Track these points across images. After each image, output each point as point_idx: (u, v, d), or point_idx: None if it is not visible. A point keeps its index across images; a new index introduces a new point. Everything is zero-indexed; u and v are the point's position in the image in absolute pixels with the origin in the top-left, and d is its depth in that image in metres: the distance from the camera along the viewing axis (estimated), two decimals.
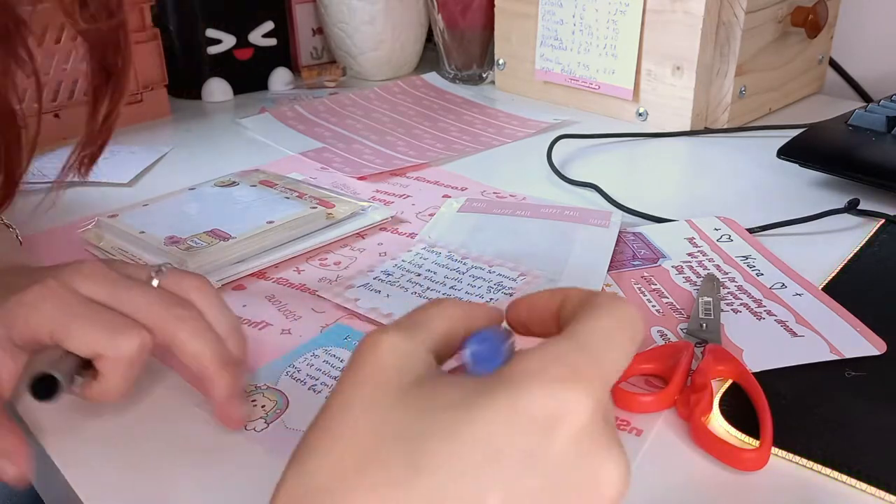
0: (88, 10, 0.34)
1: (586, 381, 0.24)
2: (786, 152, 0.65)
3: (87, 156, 0.46)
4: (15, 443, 0.35)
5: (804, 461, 0.34)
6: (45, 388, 0.33)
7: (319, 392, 0.40)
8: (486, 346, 0.25)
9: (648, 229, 0.56)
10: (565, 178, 0.66)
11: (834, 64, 0.90)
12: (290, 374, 0.41)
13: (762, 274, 0.50)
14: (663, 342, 0.43)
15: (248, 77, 0.93)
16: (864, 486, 0.33)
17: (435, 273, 0.50)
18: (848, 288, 0.48)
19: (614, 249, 0.53)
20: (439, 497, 0.22)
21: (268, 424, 0.38)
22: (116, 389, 0.36)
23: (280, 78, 0.94)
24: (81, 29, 0.39)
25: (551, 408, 0.23)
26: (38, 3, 0.46)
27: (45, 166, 0.68)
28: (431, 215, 0.59)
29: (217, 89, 0.90)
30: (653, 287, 0.49)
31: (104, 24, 0.39)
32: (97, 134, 0.45)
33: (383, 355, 0.25)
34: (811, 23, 0.77)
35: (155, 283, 0.38)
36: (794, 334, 0.43)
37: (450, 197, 0.63)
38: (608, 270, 0.50)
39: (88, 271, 0.37)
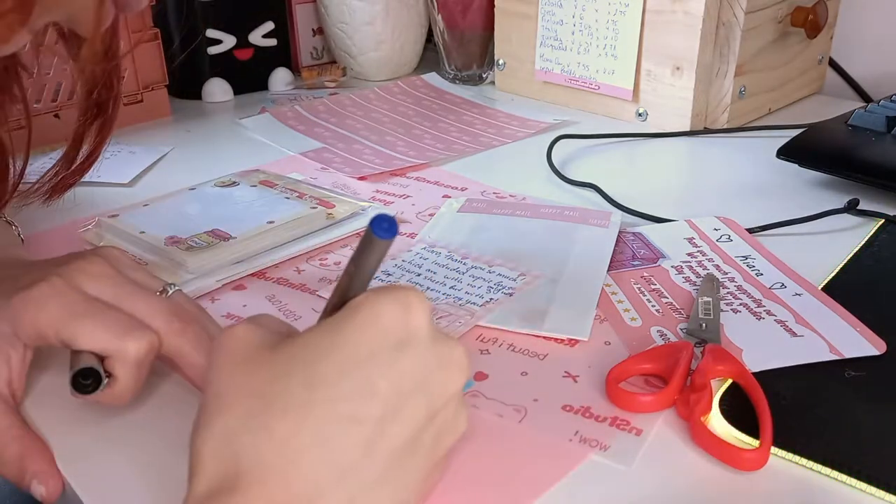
0: (90, 51, 0.35)
1: (418, 290, 0.30)
2: (785, 152, 0.65)
3: (60, 186, 0.46)
4: (45, 463, 0.36)
5: (804, 461, 0.34)
6: (86, 382, 0.35)
7: None
8: (386, 219, 0.28)
9: (648, 229, 0.56)
10: (565, 178, 0.66)
11: (834, 64, 0.90)
12: None
13: (762, 274, 0.50)
14: (663, 342, 0.43)
15: (249, 77, 0.93)
16: (864, 486, 0.33)
17: (435, 273, 0.50)
18: (848, 288, 0.48)
19: (614, 249, 0.53)
20: (340, 398, 0.27)
21: None
22: (126, 390, 0.36)
23: (280, 78, 0.94)
24: (83, 69, 0.40)
25: (401, 305, 0.29)
26: (40, 45, 0.46)
27: (45, 166, 0.68)
28: (431, 215, 0.59)
29: (217, 89, 0.90)
30: (652, 287, 0.49)
31: (104, 65, 0.40)
32: (76, 168, 0.45)
33: (242, 334, 0.30)
34: (811, 23, 0.77)
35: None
36: (794, 334, 0.43)
37: (450, 197, 0.63)
38: (608, 270, 0.50)
39: (96, 271, 0.37)
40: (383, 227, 0.28)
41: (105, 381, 0.35)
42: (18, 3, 0.27)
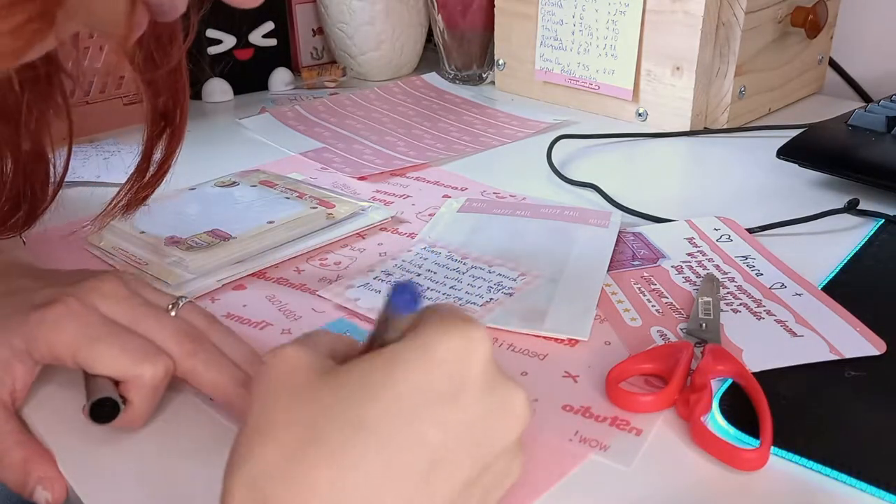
0: (147, 53, 0.35)
1: (481, 325, 0.28)
2: (785, 152, 0.65)
3: (134, 200, 0.46)
4: (50, 468, 0.36)
5: (804, 461, 0.34)
6: (104, 411, 0.35)
7: None
8: (408, 290, 0.26)
9: (648, 229, 0.56)
10: (565, 178, 0.66)
11: (834, 64, 0.90)
12: None
13: (762, 274, 0.50)
14: (663, 342, 0.43)
15: (248, 77, 0.93)
16: (864, 485, 0.33)
17: (435, 273, 0.50)
18: (848, 288, 0.48)
19: (614, 249, 0.53)
20: (385, 445, 0.25)
21: None
22: (141, 415, 0.36)
23: (280, 78, 0.94)
24: (143, 75, 0.39)
25: (461, 344, 0.27)
26: (84, 53, 0.46)
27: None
28: (431, 215, 0.59)
29: (217, 89, 0.90)
30: (652, 287, 0.49)
31: (163, 68, 0.40)
32: (149, 181, 0.45)
33: (290, 358, 0.28)
34: (811, 23, 0.77)
35: (172, 314, 0.39)
36: (794, 334, 0.43)
37: (450, 197, 0.63)
38: (608, 270, 0.50)
39: (109, 291, 0.37)
40: (405, 300, 0.26)
41: (122, 408, 0.35)
42: (40, 12, 0.27)
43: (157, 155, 0.44)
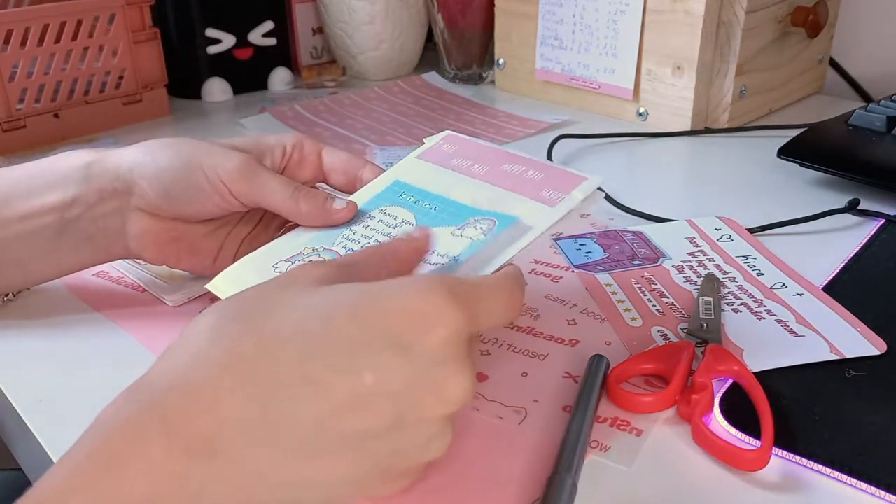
0: None
1: (465, 305, 0.28)
2: (786, 152, 0.65)
3: None
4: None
5: (804, 461, 0.34)
6: None
7: None
8: None
9: (649, 229, 0.56)
10: None
11: (834, 64, 0.90)
12: None
13: (762, 274, 0.50)
14: (663, 342, 0.43)
15: (248, 77, 0.93)
16: (864, 485, 0.33)
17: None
18: (848, 288, 0.48)
19: (614, 249, 0.53)
20: (324, 369, 0.27)
21: None
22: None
23: (280, 78, 0.94)
24: None
25: (433, 310, 0.28)
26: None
27: None
28: None
29: (217, 89, 0.90)
30: (653, 287, 0.49)
31: None
32: None
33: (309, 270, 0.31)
34: (811, 23, 0.77)
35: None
36: (795, 334, 0.43)
37: None
38: (609, 270, 0.50)
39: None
40: None
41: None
42: None
43: None
